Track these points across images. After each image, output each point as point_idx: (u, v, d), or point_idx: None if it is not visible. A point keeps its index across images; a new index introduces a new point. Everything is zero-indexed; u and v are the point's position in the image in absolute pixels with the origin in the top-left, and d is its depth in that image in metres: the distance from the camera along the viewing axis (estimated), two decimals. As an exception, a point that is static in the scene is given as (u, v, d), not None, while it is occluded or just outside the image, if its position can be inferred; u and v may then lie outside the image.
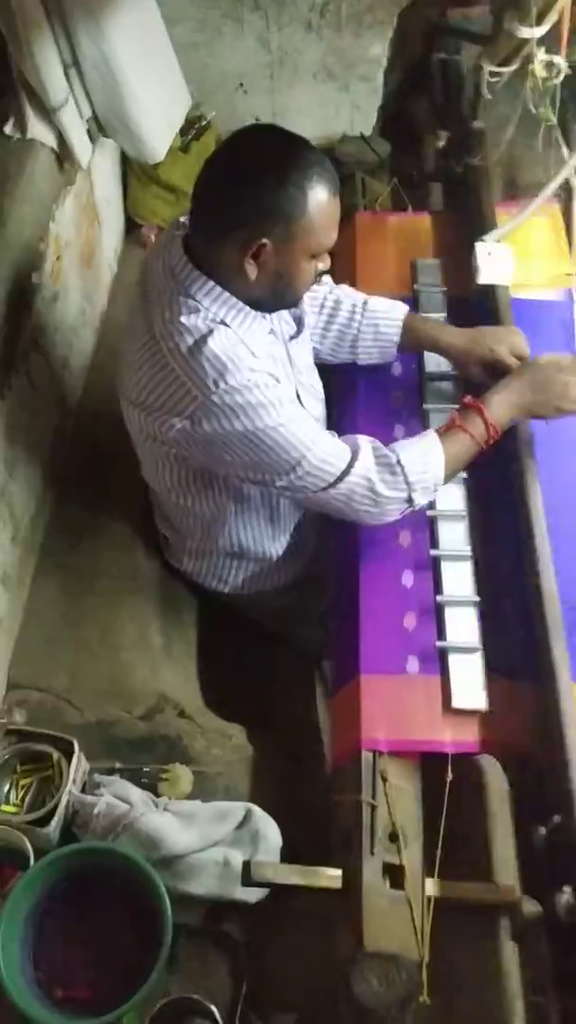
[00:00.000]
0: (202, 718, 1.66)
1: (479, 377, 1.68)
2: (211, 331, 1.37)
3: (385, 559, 1.59)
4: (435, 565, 1.57)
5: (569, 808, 1.23)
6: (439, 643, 1.48)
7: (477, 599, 1.52)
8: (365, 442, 1.49)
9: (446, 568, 1.56)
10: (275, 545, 1.75)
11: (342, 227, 1.44)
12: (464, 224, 2.04)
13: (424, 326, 1.75)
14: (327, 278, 1.74)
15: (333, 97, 2.51)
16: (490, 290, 1.84)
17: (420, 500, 1.50)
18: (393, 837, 1.33)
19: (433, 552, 1.58)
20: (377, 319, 1.75)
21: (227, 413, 1.37)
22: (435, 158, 2.33)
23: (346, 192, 2.28)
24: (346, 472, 1.45)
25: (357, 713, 1.42)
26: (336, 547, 1.71)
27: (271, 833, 1.46)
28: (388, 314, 1.75)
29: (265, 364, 1.43)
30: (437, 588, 1.54)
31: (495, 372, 1.64)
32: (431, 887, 1.29)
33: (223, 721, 1.68)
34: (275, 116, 2.53)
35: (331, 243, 1.42)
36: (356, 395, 1.81)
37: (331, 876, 1.30)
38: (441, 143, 2.27)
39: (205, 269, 1.40)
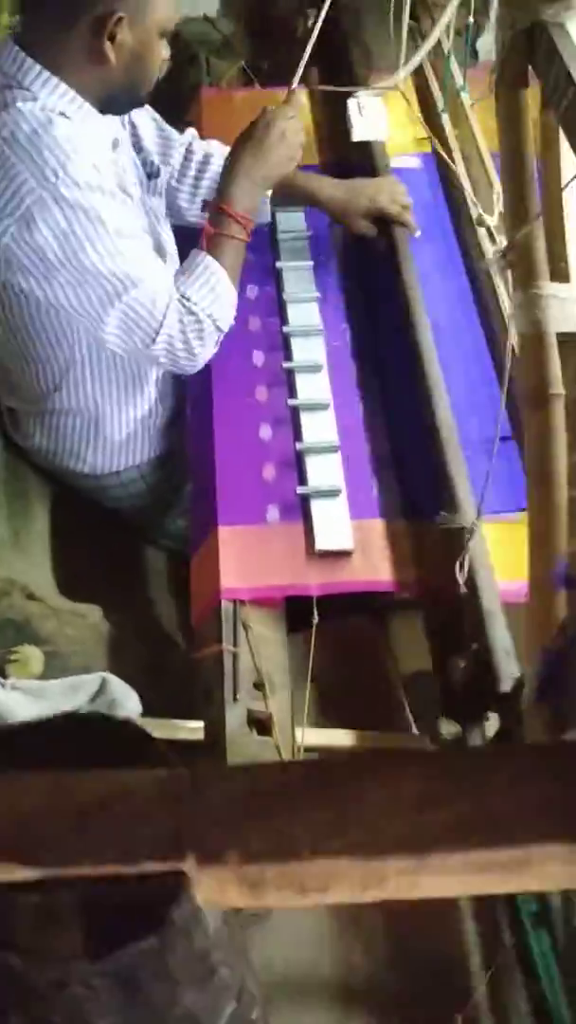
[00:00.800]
0: (54, 600, 1.53)
1: (366, 230, 1.64)
2: (51, 120, 1.29)
3: (241, 413, 1.49)
4: (294, 416, 1.48)
5: (483, 636, 1.15)
6: (300, 489, 1.39)
7: (337, 444, 1.43)
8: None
9: (305, 418, 1.47)
10: (136, 411, 1.63)
11: (188, 104, 1.42)
12: (328, 97, 1.96)
13: (300, 179, 1.67)
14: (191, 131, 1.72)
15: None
16: (366, 146, 1.78)
17: (225, 326, 1.46)
18: (259, 686, 1.24)
19: (291, 402, 1.49)
20: None
21: (64, 211, 1.28)
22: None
23: (191, 71, 2.20)
24: (159, 330, 1.40)
25: (216, 565, 1.32)
26: (190, 412, 1.61)
27: (130, 702, 1.35)
28: None
29: (109, 179, 1.35)
30: (297, 438, 1.45)
31: (383, 224, 1.62)
32: (303, 736, 1.21)
33: (78, 603, 1.55)
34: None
35: (175, 20, 1.40)
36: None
37: (192, 728, 1.21)
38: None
39: (47, 66, 1.32)
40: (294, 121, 1.46)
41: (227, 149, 1.65)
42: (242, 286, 1.52)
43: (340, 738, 1.25)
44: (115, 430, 1.64)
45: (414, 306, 1.50)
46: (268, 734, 1.19)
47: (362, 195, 1.63)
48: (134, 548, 1.85)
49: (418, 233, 1.64)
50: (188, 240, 1.57)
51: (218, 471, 1.42)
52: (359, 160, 1.80)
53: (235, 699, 1.20)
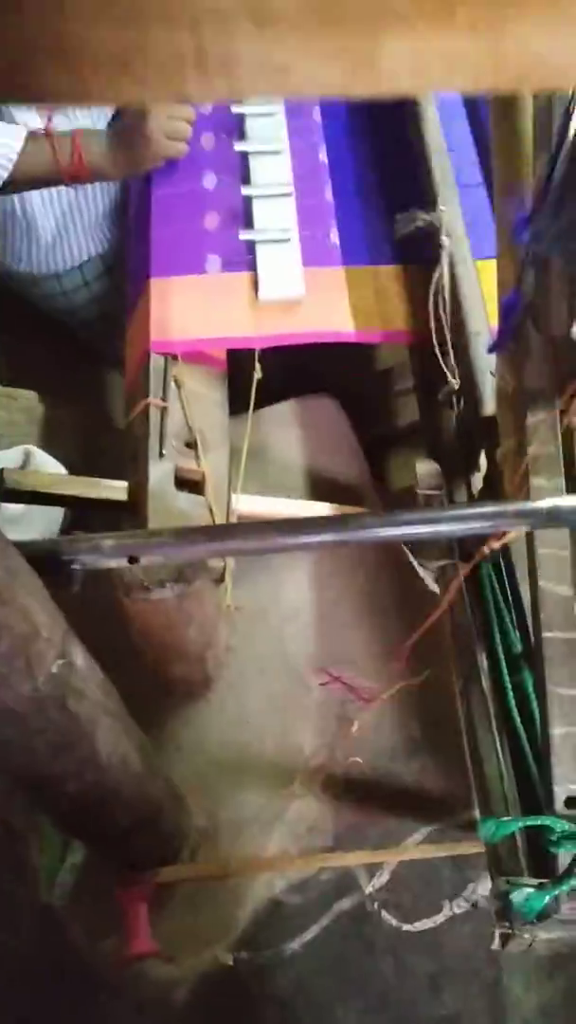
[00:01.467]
0: (-13, 384, 1.38)
1: None
2: None
3: (181, 162, 1.30)
4: (243, 163, 1.29)
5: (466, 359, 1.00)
6: (244, 234, 1.21)
7: (290, 190, 1.25)
8: None
9: (255, 162, 1.29)
10: (58, 204, 1.45)
11: None
12: None
13: None
14: None
15: None
16: None
17: None
18: (191, 445, 1.09)
19: (239, 147, 1.30)
20: None
21: None
22: None
23: None
24: None
25: (147, 319, 1.16)
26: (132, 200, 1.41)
27: (53, 468, 1.22)
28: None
29: None
30: (245, 182, 1.27)
31: None
32: (238, 502, 1.07)
33: (13, 388, 1.40)
34: None
35: None
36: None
37: (114, 487, 1.07)
38: None
39: None
40: (171, 117, 1.24)
41: None
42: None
43: (279, 506, 1.12)
44: (45, 228, 1.48)
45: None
46: (200, 494, 1.05)
47: None
48: (84, 351, 1.70)
49: None
50: None
51: (153, 219, 1.24)
52: None
53: (161, 455, 1.06)
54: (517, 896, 0.70)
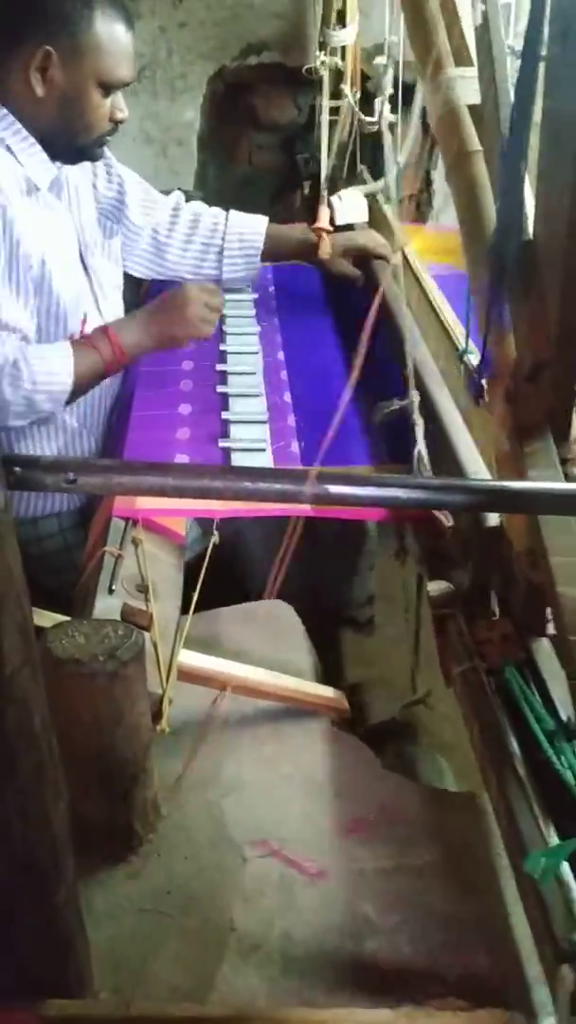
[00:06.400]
0: None
1: (347, 270, 1.76)
2: None
3: (161, 396, 1.45)
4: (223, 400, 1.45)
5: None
6: (223, 443, 1.33)
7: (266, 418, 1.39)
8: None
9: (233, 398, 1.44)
10: (48, 448, 1.57)
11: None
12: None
13: (287, 231, 1.80)
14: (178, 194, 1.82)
15: (152, 161, 2.68)
16: (348, 228, 1.94)
17: (44, 406, 1.39)
18: (142, 589, 1.09)
19: (220, 389, 1.46)
20: (241, 228, 1.77)
21: None
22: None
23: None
24: None
25: (112, 500, 1.21)
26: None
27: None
28: (251, 223, 1.77)
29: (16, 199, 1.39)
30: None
31: (364, 265, 1.74)
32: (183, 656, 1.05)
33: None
34: (99, 180, 2.67)
35: (124, 77, 1.43)
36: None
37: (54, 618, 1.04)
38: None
39: None
40: (208, 309, 1.47)
41: (220, 214, 1.78)
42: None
43: (223, 666, 1.09)
44: None
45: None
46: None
47: (341, 238, 1.78)
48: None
49: (394, 260, 1.72)
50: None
51: (130, 423, 1.36)
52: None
53: (111, 591, 1.05)
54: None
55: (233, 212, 1.79)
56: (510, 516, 0.90)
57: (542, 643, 0.90)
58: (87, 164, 1.56)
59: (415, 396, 1.16)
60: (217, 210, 1.79)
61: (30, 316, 1.42)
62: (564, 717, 0.80)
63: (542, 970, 0.70)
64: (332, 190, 2.12)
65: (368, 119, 1.86)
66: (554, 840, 0.71)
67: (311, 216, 2.06)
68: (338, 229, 1.92)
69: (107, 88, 1.42)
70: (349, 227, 1.95)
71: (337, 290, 1.82)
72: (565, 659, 0.67)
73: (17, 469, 0.59)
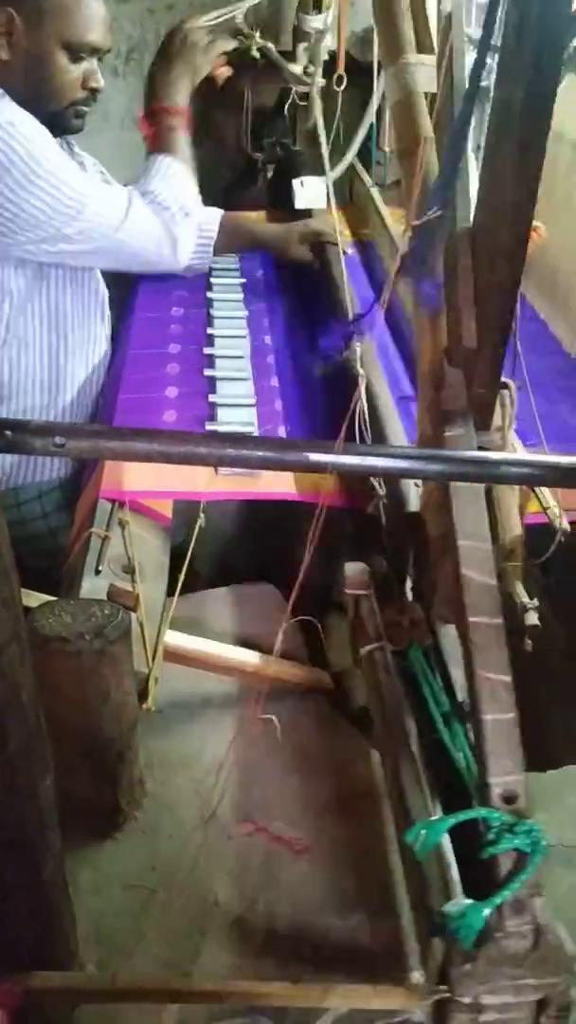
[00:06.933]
0: None
1: (303, 256, 1.77)
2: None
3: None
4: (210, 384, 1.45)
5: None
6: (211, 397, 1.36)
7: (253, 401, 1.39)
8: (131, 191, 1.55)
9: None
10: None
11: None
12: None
13: (240, 222, 1.84)
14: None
15: (140, 145, 2.66)
16: (307, 213, 1.93)
17: (192, 207, 1.61)
18: (128, 570, 1.09)
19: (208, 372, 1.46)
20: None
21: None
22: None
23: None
24: (128, 209, 1.50)
25: (100, 473, 1.22)
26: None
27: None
28: (206, 216, 1.77)
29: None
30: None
31: (319, 250, 1.74)
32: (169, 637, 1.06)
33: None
34: (86, 162, 2.65)
35: (92, 41, 1.43)
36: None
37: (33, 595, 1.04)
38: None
39: None
40: (200, 30, 1.67)
41: None
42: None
43: (207, 646, 1.10)
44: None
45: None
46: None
47: (298, 225, 1.81)
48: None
49: (348, 251, 1.72)
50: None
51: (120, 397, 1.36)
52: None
53: (98, 571, 1.06)
54: (453, 910, 0.60)
55: None
56: (426, 502, 0.91)
57: (449, 629, 0.92)
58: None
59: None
60: None
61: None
62: (461, 700, 0.82)
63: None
64: (297, 175, 2.13)
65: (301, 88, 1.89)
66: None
67: (272, 200, 2.08)
68: (297, 214, 1.93)
69: (75, 52, 1.42)
70: (307, 212, 1.95)
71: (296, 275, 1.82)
72: (463, 641, 0.68)
73: (8, 432, 0.59)
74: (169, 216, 1.56)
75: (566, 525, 1.01)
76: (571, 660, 1.38)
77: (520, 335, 0.82)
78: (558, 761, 1.09)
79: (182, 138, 1.64)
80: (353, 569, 0.98)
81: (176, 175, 1.60)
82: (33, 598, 1.04)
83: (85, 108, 1.52)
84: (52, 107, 1.46)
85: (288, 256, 1.79)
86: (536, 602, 0.93)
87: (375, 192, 2.05)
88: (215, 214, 1.78)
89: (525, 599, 0.91)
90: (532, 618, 0.92)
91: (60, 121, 1.50)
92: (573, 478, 0.65)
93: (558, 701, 1.40)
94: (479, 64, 0.75)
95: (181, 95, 1.66)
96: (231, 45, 1.73)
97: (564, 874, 0.96)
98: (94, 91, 1.49)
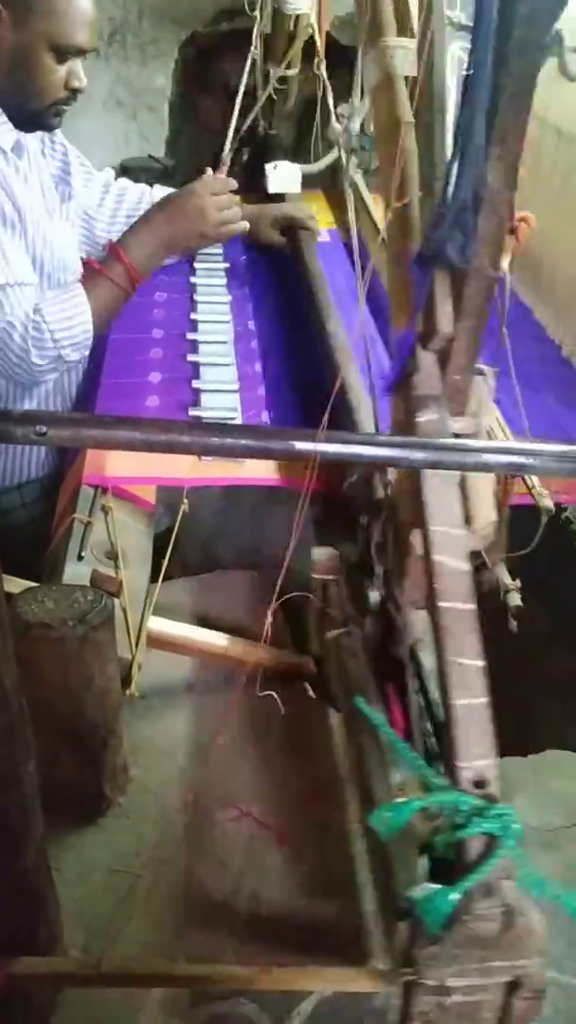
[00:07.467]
0: None
1: (274, 239, 1.75)
2: None
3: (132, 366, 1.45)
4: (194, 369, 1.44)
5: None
6: (195, 383, 1.36)
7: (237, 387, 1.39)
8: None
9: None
10: None
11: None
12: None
13: None
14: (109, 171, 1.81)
15: (122, 126, 2.65)
16: (281, 198, 1.94)
17: (72, 357, 1.41)
18: (112, 556, 1.09)
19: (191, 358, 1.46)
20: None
21: None
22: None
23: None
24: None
25: (82, 459, 1.21)
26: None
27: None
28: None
29: None
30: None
31: (292, 236, 1.71)
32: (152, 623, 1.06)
33: None
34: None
35: (80, 44, 1.40)
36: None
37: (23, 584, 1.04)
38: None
39: None
40: (219, 199, 1.50)
41: (145, 189, 1.77)
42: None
43: (190, 632, 1.10)
44: None
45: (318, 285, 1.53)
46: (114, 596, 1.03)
47: (271, 209, 1.78)
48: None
49: (321, 237, 1.71)
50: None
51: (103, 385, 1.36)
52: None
53: (80, 557, 1.05)
54: (420, 894, 0.60)
55: (157, 186, 1.80)
56: (399, 487, 0.91)
57: (420, 614, 0.91)
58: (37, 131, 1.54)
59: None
60: (143, 185, 1.79)
61: (35, 270, 1.41)
62: (430, 687, 0.83)
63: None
64: (271, 159, 2.12)
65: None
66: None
67: (248, 184, 2.07)
68: (270, 198, 1.92)
69: (61, 53, 1.38)
70: (280, 197, 1.95)
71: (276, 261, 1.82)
72: (434, 627, 0.69)
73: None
74: (39, 342, 1.38)
75: (550, 504, 1.01)
76: (553, 645, 1.39)
77: (504, 322, 0.82)
78: (540, 745, 1.10)
79: (113, 291, 1.46)
80: (321, 554, 0.98)
81: (77, 317, 1.41)
82: (15, 584, 1.04)
83: (65, 107, 1.49)
84: (33, 106, 1.43)
85: (259, 240, 1.78)
86: (519, 583, 0.94)
87: (359, 178, 2.05)
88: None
89: (508, 580, 0.92)
90: (515, 599, 0.93)
91: (40, 120, 1.47)
92: (557, 466, 0.66)
93: (540, 686, 1.41)
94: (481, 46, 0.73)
95: (148, 256, 1.48)
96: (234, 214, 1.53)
97: (545, 857, 0.97)
98: (76, 91, 1.46)
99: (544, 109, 1.45)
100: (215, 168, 2.29)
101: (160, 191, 1.78)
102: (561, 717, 1.37)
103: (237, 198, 1.48)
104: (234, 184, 1.52)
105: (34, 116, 1.45)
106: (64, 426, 0.60)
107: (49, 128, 1.52)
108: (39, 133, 1.55)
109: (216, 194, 1.47)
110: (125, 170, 2.42)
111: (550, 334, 1.51)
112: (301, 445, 0.63)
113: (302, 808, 1.01)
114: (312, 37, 1.87)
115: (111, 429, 0.61)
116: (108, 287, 1.42)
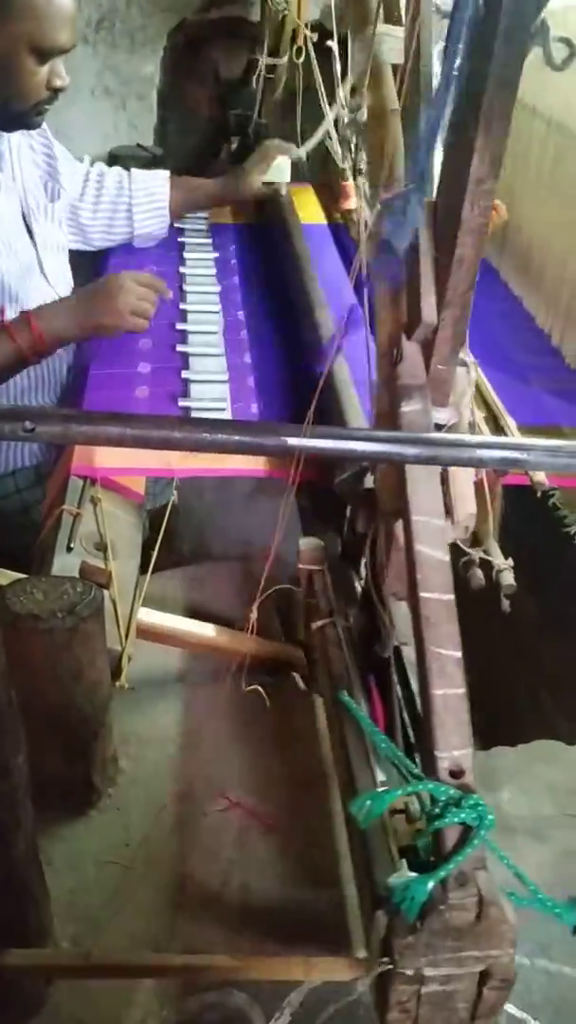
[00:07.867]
0: None
1: (259, 188, 1.79)
2: None
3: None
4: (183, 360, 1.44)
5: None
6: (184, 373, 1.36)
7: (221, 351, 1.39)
8: None
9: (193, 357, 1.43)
10: None
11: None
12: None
13: (191, 180, 1.82)
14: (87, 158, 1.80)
15: (111, 115, 2.63)
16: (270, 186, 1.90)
17: None
18: (101, 548, 1.09)
19: (180, 348, 1.45)
20: (146, 183, 1.77)
21: None
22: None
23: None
24: None
25: (69, 458, 1.21)
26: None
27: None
28: (154, 176, 1.77)
29: None
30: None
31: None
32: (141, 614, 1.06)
33: None
34: (56, 133, 2.60)
35: (61, 43, 1.38)
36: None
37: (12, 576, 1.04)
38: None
39: None
40: (139, 289, 1.39)
41: (123, 172, 1.76)
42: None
43: (179, 623, 1.10)
44: None
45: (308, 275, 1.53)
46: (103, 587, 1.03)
47: (249, 160, 1.82)
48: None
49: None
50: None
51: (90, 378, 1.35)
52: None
53: (69, 548, 1.05)
54: (396, 882, 0.61)
55: (135, 170, 1.79)
56: (383, 478, 0.91)
57: (401, 605, 0.90)
58: None
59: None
60: (119, 168, 1.79)
61: None
62: (410, 676, 0.83)
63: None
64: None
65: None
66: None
67: None
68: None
69: (42, 54, 1.35)
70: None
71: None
72: (414, 617, 0.69)
73: (-27, 421, 0.58)
74: None
75: (544, 479, 1.02)
76: (543, 635, 1.39)
77: (495, 312, 0.82)
78: (528, 735, 1.11)
79: (16, 354, 1.36)
80: (307, 544, 0.98)
81: None
82: (4, 576, 1.03)
83: (47, 107, 1.47)
84: (16, 108, 1.41)
85: (246, 194, 1.79)
86: (511, 562, 0.94)
87: (347, 167, 2.04)
88: (163, 175, 1.78)
89: (500, 560, 0.92)
90: (508, 578, 0.93)
91: (22, 120, 1.46)
92: (551, 460, 0.65)
93: (528, 675, 1.42)
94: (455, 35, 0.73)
95: (60, 329, 1.37)
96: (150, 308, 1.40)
97: (534, 845, 0.97)
98: (58, 90, 1.45)
99: (534, 99, 1.45)
100: (211, 163, 2.30)
101: (137, 174, 1.78)
102: (551, 708, 1.37)
103: (155, 297, 1.44)
104: (163, 287, 1.47)
105: (17, 117, 1.44)
106: (52, 422, 0.59)
107: (32, 127, 1.51)
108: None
109: (142, 285, 1.44)
110: (114, 158, 2.41)
111: (539, 323, 1.51)
112: (294, 441, 0.62)
113: (292, 797, 1.01)
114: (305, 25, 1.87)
115: (100, 425, 0.60)
116: (11, 348, 1.36)
